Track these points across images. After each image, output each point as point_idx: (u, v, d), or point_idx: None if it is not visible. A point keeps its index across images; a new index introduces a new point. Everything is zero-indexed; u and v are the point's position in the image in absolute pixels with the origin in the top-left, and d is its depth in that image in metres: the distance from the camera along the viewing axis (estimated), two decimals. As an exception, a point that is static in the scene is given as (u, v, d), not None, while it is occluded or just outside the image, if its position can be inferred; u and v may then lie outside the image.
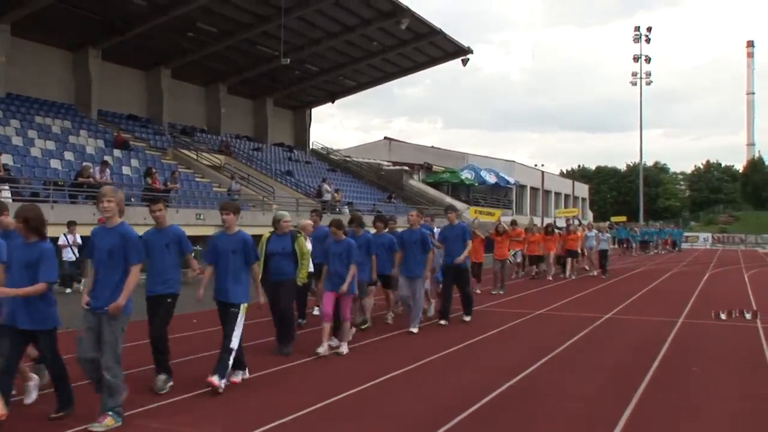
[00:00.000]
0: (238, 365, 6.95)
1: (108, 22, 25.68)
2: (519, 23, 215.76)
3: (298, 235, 8.89)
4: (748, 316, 12.41)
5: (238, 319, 6.75)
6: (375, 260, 9.92)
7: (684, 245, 47.80)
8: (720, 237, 56.43)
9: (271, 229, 8.91)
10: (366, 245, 9.79)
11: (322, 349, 8.27)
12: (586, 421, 5.92)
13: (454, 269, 11.22)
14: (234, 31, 29.17)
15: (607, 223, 40.02)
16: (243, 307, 6.81)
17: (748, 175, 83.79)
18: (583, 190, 74.63)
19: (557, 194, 63.95)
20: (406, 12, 30.38)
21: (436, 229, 12.82)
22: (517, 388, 6.97)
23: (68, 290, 15.31)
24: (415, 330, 10.22)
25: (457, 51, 37.38)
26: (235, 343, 6.66)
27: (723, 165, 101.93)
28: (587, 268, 22.41)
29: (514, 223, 20.69)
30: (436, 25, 33.38)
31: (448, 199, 42.34)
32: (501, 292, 15.94)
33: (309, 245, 9.68)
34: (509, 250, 20.21)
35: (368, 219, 13.40)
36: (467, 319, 11.41)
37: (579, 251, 21.38)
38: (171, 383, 6.65)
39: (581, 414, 6.13)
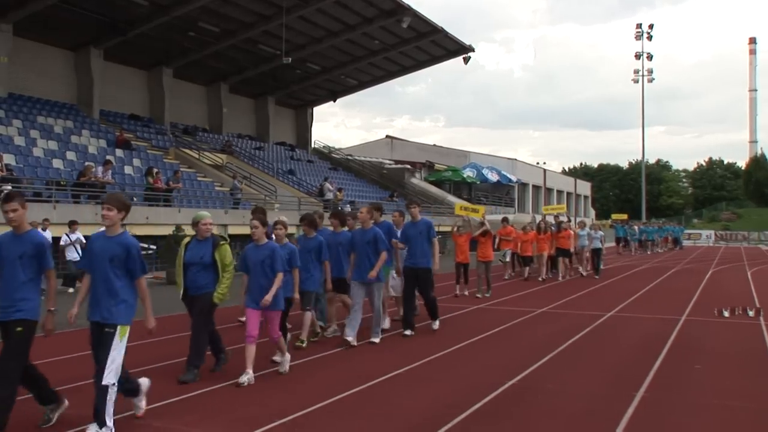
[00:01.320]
0: (132, 392, 5.68)
1: (110, 22, 25.71)
2: (521, 21, 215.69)
3: (221, 242, 7.30)
4: (751, 313, 12.40)
5: (114, 344, 5.23)
6: (328, 266, 9.13)
7: (686, 243, 47.67)
8: (723, 234, 56.29)
9: (193, 233, 7.48)
10: (318, 249, 8.95)
11: (246, 378, 6.88)
12: (588, 419, 5.92)
13: (415, 272, 10.10)
14: (235, 31, 29.20)
15: (609, 220, 40.05)
16: (123, 329, 5.31)
17: (750, 173, 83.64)
18: (585, 187, 74.59)
19: (559, 192, 63.90)
20: (408, 10, 30.40)
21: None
22: (519, 386, 6.97)
23: (71, 290, 15.32)
24: (376, 340, 9.19)
25: (458, 49, 37.41)
26: (110, 378, 5.16)
27: (725, 162, 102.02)
28: (579, 268, 21.35)
29: (504, 220, 20.04)
30: (437, 23, 33.42)
31: (450, 198, 42.40)
32: (487, 295, 14.91)
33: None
34: (499, 250, 19.30)
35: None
36: (435, 326, 10.27)
37: (571, 250, 20.24)
38: (60, 410, 5.60)
39: (584, 412, 6.12)
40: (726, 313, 12.34)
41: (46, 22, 24.47)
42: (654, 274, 22.09)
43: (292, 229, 10.96)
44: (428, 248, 10.13)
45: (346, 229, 9.98)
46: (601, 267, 21.08)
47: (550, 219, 22.35)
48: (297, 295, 7.88)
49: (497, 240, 19.55)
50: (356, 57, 35.87)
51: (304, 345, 8.81)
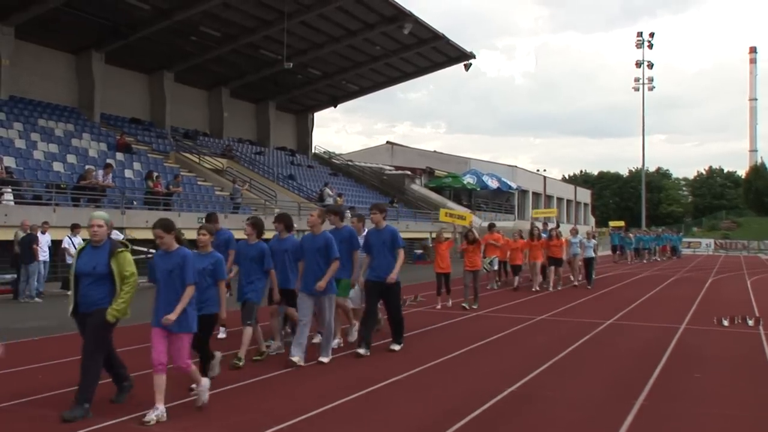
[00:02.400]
0: None
1: (111, 26, 25.76)
2: (523, 29, 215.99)
3: (120, 249, 6.04)
4: (750, 322, 12.36)
5: None
6: (274, 275, 8.26)
7: (686, 251, 47.55)
8: (722, 243, 56.25)
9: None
10: (259, 256, 8.11)
11: (154, 415, 5.69)
12: (588, 427, 5.90)
13: (380, 286, 8.97)
14: (237, 35, 29.25)
15: (610, 228, 39.73)
16: None
17: (750, 181, 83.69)
18: (585, 195, 74.60)
19: (559, 199, 63.91)
20: (409, 17, 30.46)
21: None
22: (518, 394, 6.95)
23: (69, 292, 15.29)
24: (326, 360, 8.21)
25: (459, 56, 37.51)
26: None
27: (726, 171, 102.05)
28: (571, 278, 20.09)
29: (491, 226, 19.04)
30: (438, 30, 33.49)
31: (450, 204, 42.35)
32: (474, 307, 13.98)
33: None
34: (485, 257, 18.13)
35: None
36: (396, 348, 9.11)
37: (564, 259, 19.04)
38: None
39: (582, 420, 6.10)
40: (725, 322, 12.31)
41: (48, 25, 24.50)
42: (653, 283, 22.04)
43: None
44: (393, 259, 9.00)
45: (293, 234, 8.97)
46: (594, 277, 19.94)
47: (538, 224, 21.24)
48: (223, 313, 6.94)
49: (483, 247, 18.36)
50: (357, 63, 35.93)
51: (240, 364, 7.80)
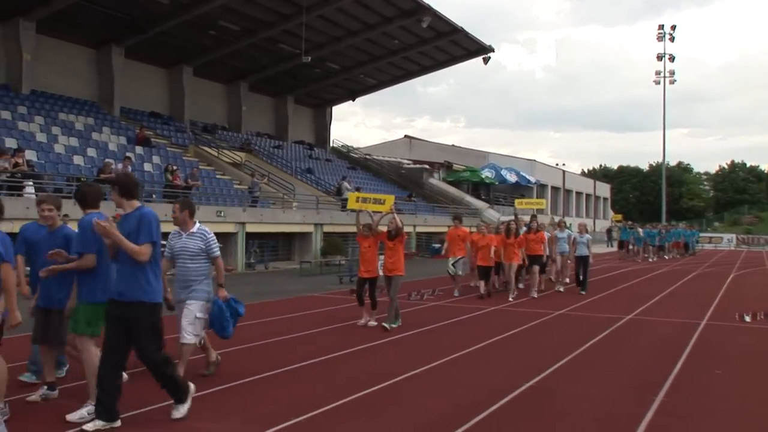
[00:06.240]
0: None
1: (131, 20, 25.94)
2: (544, 22, 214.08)
3: None
4: (773, 318, 12.21)
5: None
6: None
7: (707, 246, 46.91)
8: (745, 238, 55.52)
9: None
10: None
11: None
12: (607, 423, 5.85)
13: (125, 309, 5.38)
14: (256, 30, 29.33)
15: (629, 222, 38.99)
16: None
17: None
18: (604, 189, 74.01)
19: (578, 194, 63.48)
20: (428, 10, 30.37)
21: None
22: (537, 389, 6.91)
23: None
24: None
25: (478, 49, 37.36)
26: None
27: (748, 165, 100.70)
28: (552, 279, 17.22)
29: (456, 219, 16.18)
30: (457, 23, 33.36)
31: (468, 198, 42.30)
32: (393, 326, 10.35)
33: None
34: (449, 258, 15.67)
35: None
36: (179, 415, 5.59)
37: (545, 257, 16.22)
38: None
39: (603, 415, 6.05)
40: (747, 318, 12.16)
41: (69, 20, 24.72)
42: (672, 278, 21.80)
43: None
44: (144, 266, 5.49)
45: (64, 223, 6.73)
46: (588, 279, 16.69)
47: (524, 217, 19.20)
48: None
49: (445, 245, 16.07)
50: (375, 56, 35.89)
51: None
